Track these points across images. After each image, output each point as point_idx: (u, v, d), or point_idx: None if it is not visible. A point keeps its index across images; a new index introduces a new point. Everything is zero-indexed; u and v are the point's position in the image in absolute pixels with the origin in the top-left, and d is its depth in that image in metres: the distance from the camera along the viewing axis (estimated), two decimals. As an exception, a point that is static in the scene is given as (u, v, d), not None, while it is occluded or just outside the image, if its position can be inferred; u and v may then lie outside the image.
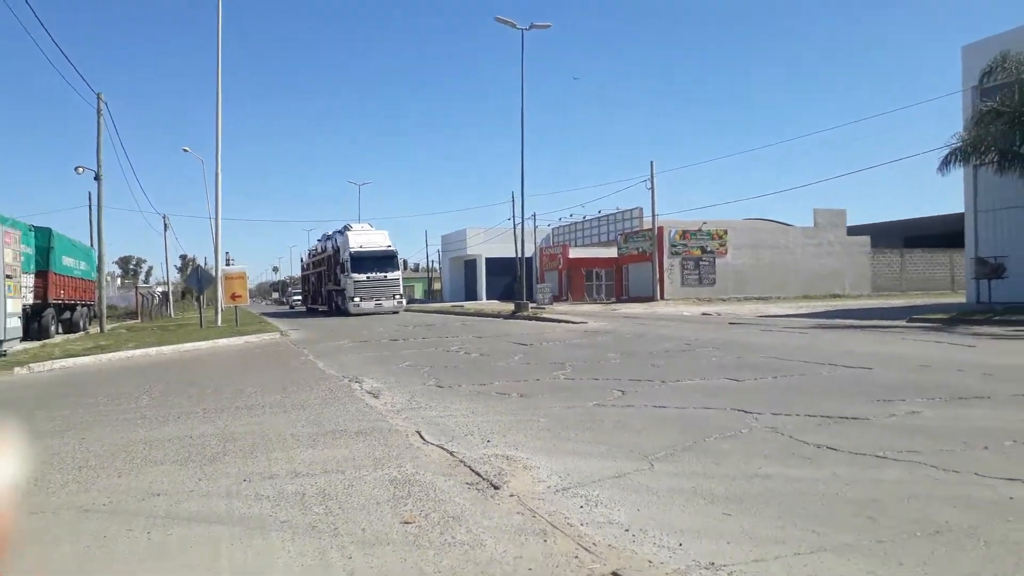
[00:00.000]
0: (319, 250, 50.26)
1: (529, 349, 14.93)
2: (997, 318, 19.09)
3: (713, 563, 3.39)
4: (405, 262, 49.96)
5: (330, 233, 46.97)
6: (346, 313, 38.10)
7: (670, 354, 12.92)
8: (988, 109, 21.11)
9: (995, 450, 5.31)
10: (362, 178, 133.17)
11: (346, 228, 42.08)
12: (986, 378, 8.92)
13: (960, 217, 28.85)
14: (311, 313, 48.85)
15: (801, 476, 4.79)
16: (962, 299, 31.41)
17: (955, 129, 23.24)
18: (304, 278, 60.88)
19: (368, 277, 37.95)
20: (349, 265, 38.33)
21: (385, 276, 38.43)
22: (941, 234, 50.98)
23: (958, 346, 13.20)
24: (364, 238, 40.11)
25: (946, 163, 22.29)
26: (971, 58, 25.78)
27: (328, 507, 4.46)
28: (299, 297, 69.58)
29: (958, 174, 25.52)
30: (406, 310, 42.93)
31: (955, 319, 19.70)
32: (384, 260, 38.98)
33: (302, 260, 61.89)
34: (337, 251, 41.61)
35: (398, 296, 39.28)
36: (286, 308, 73.00)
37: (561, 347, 15.22)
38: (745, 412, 7.04)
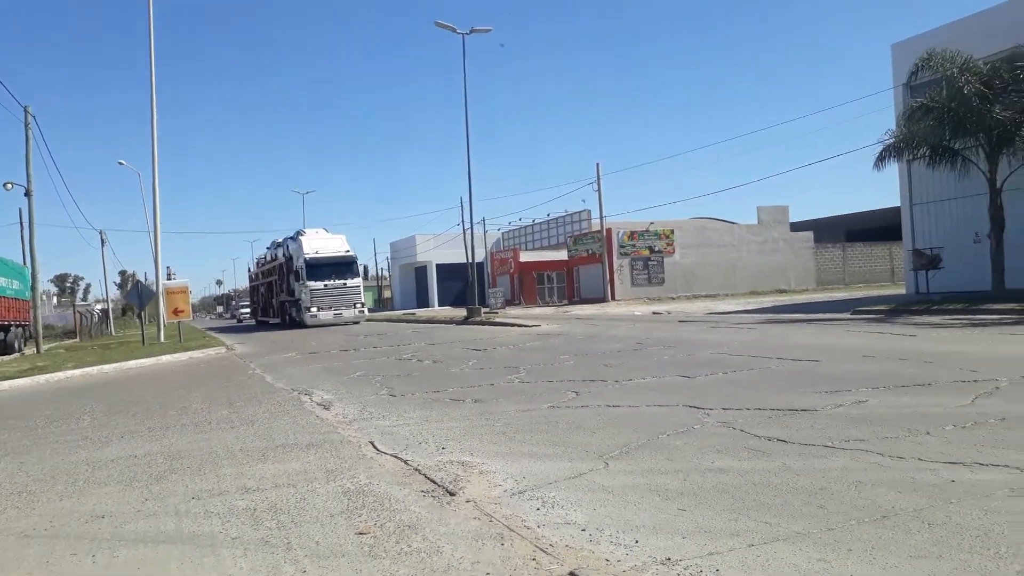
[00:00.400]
0: (268, 259, 47.05)
1: (483, 354, 14.90)
2: (935, 308, 19.72)
3: (669, 558, 3.41)
4: (365, 268, 45.38)
5: (280, 240, 43.84)
6: (301, 325, 35.66)
7: (622, 354, 13.02)
8: (918, 105, 21.81)
9: (937, 435, 5.46)
10: (306, 187, 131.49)
11: (299, 233, 39.02)
12: (926, 366, 9.20)
13: (898, 211, 29.75)
14: (261, 326, 46.10)
15: (753, 468, 4.86)
16: (902, 290, 32.39)
17: (890, 125, 23.95)
18: (252, 289, 56.40)
19: (325, 285, 35.64)
20: (304, 273, 35.78)
21: (344, 284, 36.16)
22: (881, 227, 52.46)
23: (899, 336, 13.59)
24: (320, 243, 37.39)
25: (881, 159, 22.96)
26: (901, 56, 26.63)
27: (280, 521, 4.37)
28: (247, 310, 65.48)
29: (893, 169, 26.33)
30: None
31: (896, 310, 20.29)
32: (343, 266, 36.63)
33: (249, 271, 57.22)
34: (290, 259, 38.82)
35: (359, 305, 36.97)
36: (233, 322, 69.63)
37: (515, 351, 15.23)
38: (697, 408, 7.13)
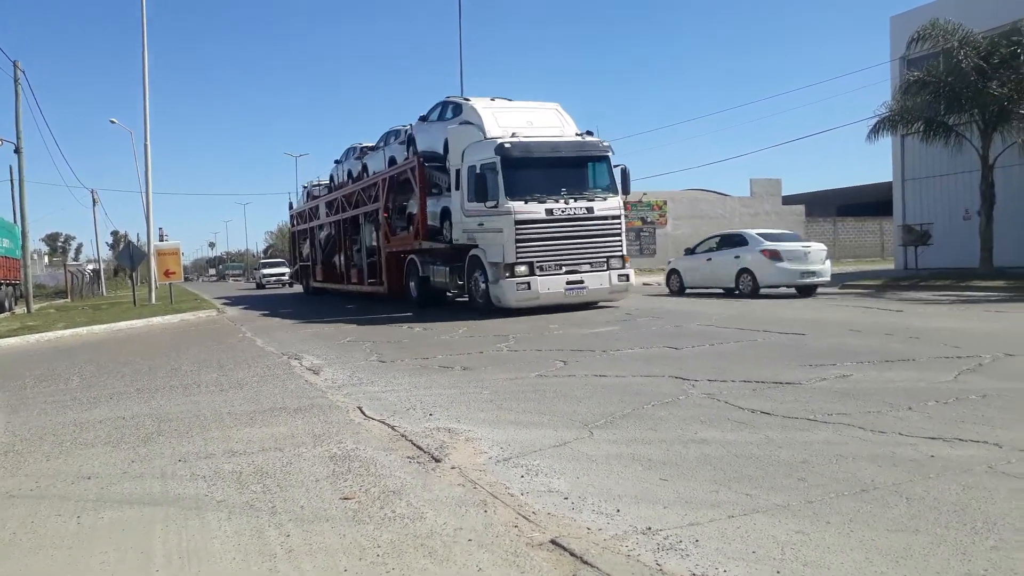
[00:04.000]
0: (344, 178, 26.13)
1: (473, 322, 14.91)
2: (923, 284, 19.83)
3: (649, 528, 3.45)
4: (624, 174, 16.92)
5: (373, 144, 23.46)
6: (486, 308, 15.94)
7: (610, 324, 13.06)
8: (914, 79, 21.68)
9: (919, 410, 5.52)
10: (299, 149, 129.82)
11: (458, 104, 17.87)
12: (912, 341, 9.26)
13: (890, 186, 29.73)
14: (321, 297, 28.28)
15: (735, 440, 4.91)
16: (891, 266, 32.51)
17: (886, 99, 23.83)
18: (298, 236, 33.29)
19: (548, 212, 15.40)
20: (499, 181, 15.25)
21: (588, 210, 15.76)
22: (872, 203, 52.45)
23: (886, 311, 13.66)
24: (516, 116, 16.77)
25: (875, 132, 22.87)
26: (899, 28, 26.41)
27: (266, 485, 4.40)
28: (275, 272, 45.63)
29: (887, 143, 26.28)
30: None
31: (884, 285, 20.41)
32: (576, 168, 16.31)
33: (291, 209, 34.81)
34: (435, 159, 17.96)
35: (616, 258, 16.17)
36: (252, 288, 47.19)
37: (504, 320, 15.23)
38: (683, 379, 7.17)
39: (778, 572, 2.93)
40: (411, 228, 19.38)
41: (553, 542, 3.35)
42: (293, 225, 34.87)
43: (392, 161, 21.02)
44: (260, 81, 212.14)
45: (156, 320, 19.52)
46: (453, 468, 4.59)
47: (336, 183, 27.61)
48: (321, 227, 29.10)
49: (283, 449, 5.25)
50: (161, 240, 37.35)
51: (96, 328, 17.53)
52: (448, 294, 19.06)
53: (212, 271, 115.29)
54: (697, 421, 5.49)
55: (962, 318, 12.30)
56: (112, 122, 41.58)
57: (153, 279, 28.88)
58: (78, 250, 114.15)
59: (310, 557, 3.31)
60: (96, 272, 57.69)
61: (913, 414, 5.42)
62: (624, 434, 5.23)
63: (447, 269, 17.58)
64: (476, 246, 16.25)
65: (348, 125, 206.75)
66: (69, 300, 41.00)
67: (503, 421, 5.86)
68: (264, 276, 46.51)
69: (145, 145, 27.95)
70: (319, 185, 30.38)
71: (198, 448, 5.44)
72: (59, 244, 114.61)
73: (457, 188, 16.74)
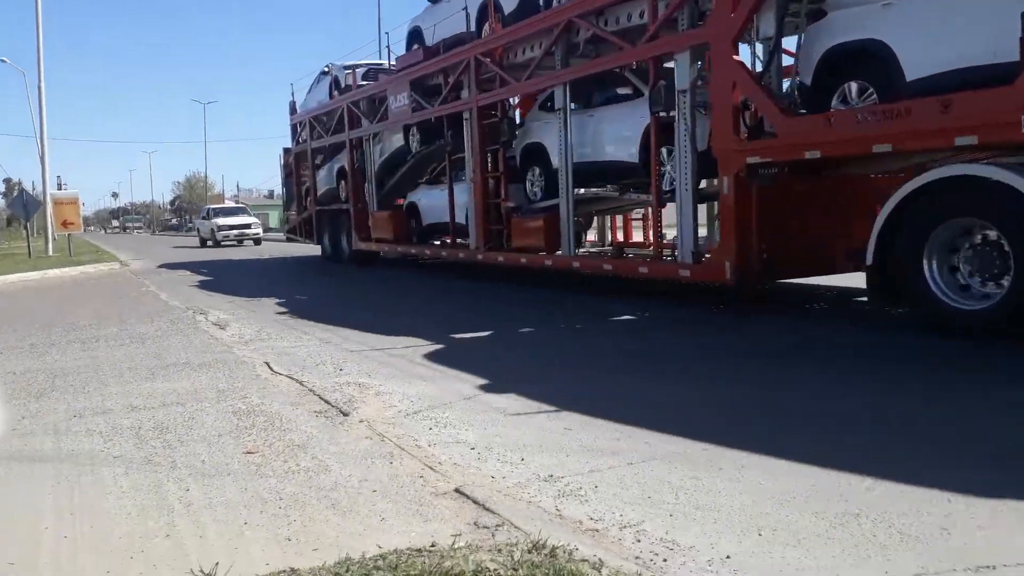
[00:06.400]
0: (461, 29, 12.11)
1: (391, 276, 14.79)
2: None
3: (552, 475, 3.54)
4: None
5: None
6: None
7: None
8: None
9: (811, 362, 5.79)
10: (209, 96, 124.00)
11: None
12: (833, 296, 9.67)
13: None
14: (436, 285, 13.47)
15: (644, 391, 5.05)
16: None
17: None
18: (313, 160, 19.21)
19: None
20: None
21: None
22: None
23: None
24: None
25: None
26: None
27: (166, 440, 4.29)
28: (240, 223, 32.86)
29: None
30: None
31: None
32: None
33: (293, 112, 20.40)
34: None
35: None
36: (194, 245, 34.60)
37: (426, 275, 15.16)
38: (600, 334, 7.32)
39: (671, 515, 3.05)
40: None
41: (457, 491, 3.39)
42: (298, 142, 20.27)
43: None
44: (165, 22, 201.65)
45: (52, 272, 18.61)
46: (361, 422, 4.57)
47: (431, 44, 13.36)
48: (375, 137, 15.65)
49: (185, 404, 5.12)
50: (60, 189, 35.39)
51: (-14, 281, 16.59)
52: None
53: (115, 223, 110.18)
54: (607, 372, 5.62)
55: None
56: (3, 61, 38.70)
57: (50, 230, 27.44)
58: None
59: (210, 511, 3.26)
60: (-13, 222, 54.32)
61: (806, 365, 5.69)
62: (534, 387, 5.30)
63: None
64: None
65: (260, 70, 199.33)
66: (-43, 252, 38.53)
67: (415, 375, 5.87)
68: (220, 229, 32.31)
69: (39, 87, 26.34)
70: (358, 66, 16.97)
71: (95, 404, 5.25)
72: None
73: None
